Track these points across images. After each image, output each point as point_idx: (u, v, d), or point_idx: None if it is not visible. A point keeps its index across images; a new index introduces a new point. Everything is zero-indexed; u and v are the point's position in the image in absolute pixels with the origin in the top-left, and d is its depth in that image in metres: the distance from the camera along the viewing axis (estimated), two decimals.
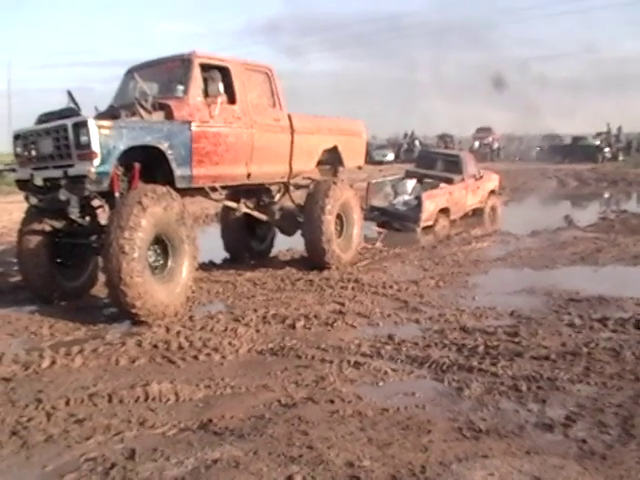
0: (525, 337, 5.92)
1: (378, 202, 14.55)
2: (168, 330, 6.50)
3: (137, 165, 7.08)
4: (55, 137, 6.92)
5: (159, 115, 7.43)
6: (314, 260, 9.71)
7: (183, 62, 8.01)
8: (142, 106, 7.24)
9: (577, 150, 39.20)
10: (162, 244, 7.06)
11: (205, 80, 7.85)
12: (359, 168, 11.50)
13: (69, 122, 6.76)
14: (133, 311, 6.58)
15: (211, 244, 10.79)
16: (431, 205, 14.11)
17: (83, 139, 6.58)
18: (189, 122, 7.53)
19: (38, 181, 7.15)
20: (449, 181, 15.34)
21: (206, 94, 7.82)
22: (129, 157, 6.98)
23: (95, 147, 6.54)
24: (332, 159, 10.52)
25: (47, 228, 7.66)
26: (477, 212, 16.43)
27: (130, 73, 8.46)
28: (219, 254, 10.77)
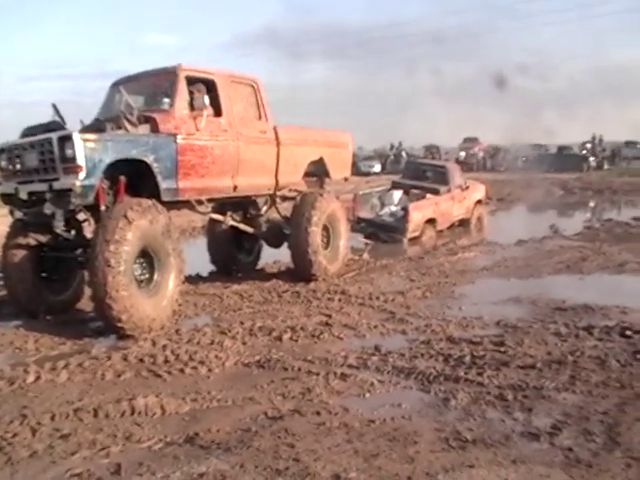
0: (511, 346, 5.94)
1: (365, 213, 14.61)
2: (154, 344, 6.47)
3: (123, 178, 7.04)
4: (40, 151, 6.89)
5: (145, 128, 7.42)
6: (301, 272, 9.71)
7: (169, 75, 8.00)
8: (127, 119, 7.23)
9: (563, 159, 39.42)
10: (148, 257, 7.03)
11: (191, 93, 7.84)
12: (345, 179, 11.53)
13: (54, 136, 6.73)
14: (119, 325, 6.55)
15: (198, 257, 10.76)
16: (418, 216, 14.16)
17: (68, 152, 6.55)
18: (175, 135, 7.51)
19: (23, 195, 7.11)
20: (435, 192, 15.41)
21: (192, 107, 7.81)
22: (115, 170, 6.95)
23: (80, 161, 6.51)
24: (318, 171, 10.54)
25: (32, 242, 7.61)
26: (464, 222, 16.51)
27: (115, 86, 8.44)
28: (206, 267, 10.74)
